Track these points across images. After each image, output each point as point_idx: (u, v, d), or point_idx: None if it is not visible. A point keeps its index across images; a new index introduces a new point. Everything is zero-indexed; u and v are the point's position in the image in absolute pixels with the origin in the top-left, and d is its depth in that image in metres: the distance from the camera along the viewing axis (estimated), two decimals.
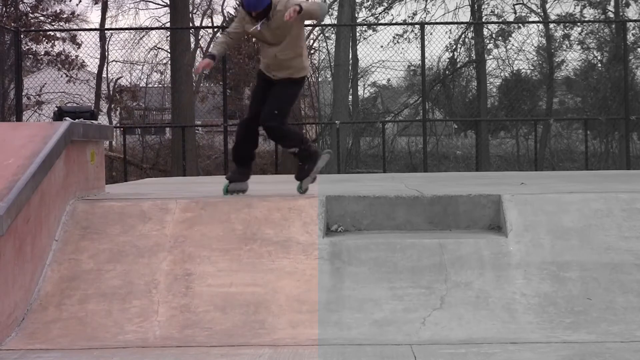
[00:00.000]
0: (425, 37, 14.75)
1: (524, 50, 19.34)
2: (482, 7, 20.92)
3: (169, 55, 20.99)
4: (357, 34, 19.88)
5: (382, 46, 18.47)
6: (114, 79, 23.43)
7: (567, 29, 19.03)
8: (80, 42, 20.51)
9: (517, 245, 5.09)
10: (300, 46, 5.94)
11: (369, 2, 21.05)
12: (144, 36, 23.87)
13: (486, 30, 19.69)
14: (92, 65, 22.84)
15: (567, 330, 4.40)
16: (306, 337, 4.36)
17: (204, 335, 4.43)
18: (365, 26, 19.86)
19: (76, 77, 20.12)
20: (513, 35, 19.26)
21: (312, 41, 22.91)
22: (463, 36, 20.05)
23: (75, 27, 23.02)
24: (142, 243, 5.14)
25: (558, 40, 19.33)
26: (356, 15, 20.85)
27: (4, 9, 21.50)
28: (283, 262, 5.00)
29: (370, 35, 19.33)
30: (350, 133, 18.69)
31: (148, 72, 23.24)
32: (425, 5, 21.04)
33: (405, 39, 19.28)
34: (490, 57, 19.81)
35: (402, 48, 23.81)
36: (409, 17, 20.59)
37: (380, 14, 21.19)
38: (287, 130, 6.07)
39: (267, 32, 5.78)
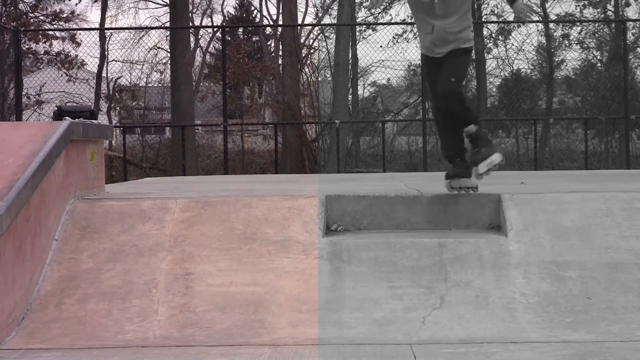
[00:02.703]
0: None
1: (523, 49, 19.36)
2: (482, 7, 20.93)
3: (168, 55, 21.00)
4: (357, 34, 19.90)
5: (381, 46, 18.49)
6: (114, 79, 23.47)
7: (567, 28, 19.03)
8: (79, 42, 20.53)
9: (516, 245, 5.09)
10: (469, 18, 5.71)
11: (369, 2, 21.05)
12: (143, 36, 23.93)
13: (486, 29, 19.70)
14: (92, 64, 22.92)
15: (567, 330, 4.40)
16: (306, 337, 4.36)
17: (204, 335, 4.43)
18: (364, 26, 19.87)
19: (76, 77, 20.13)
20: (513, 34, 19.27)
21: (312, 41, 22.93)
22: None
23: (75, 26, 23.05)
24: (142, 242, 5.14)
25: (558, 40, 19.34)
26: (356, 15, 20.87)
27: (3, 9, 21.49)
28: (283, 261, 5.00)
29: (369, 35, 19.34)
30: (350, 132, 18.70)
31: (148, 71, 23.30)
32: None
33: (405, 38, 19.29)
34: (490, 56, 19.82)
35: (402, 48, 23.86)
36: (408, 16, 20.58)
37: (379, 13, 21.21)
38: (467, 101, 5.77)
39: (439, 3, 5.57)
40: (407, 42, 19.28)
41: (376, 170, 16.29)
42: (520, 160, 18.97)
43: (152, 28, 24.87)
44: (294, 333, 4.41)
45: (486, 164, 5.65)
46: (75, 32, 20.99)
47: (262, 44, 28.55)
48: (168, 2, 22.90)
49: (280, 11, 24.21)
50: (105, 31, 22.19)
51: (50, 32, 20.78)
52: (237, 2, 33.67)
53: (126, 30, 24.91)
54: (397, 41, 19.17)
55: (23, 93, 16.00)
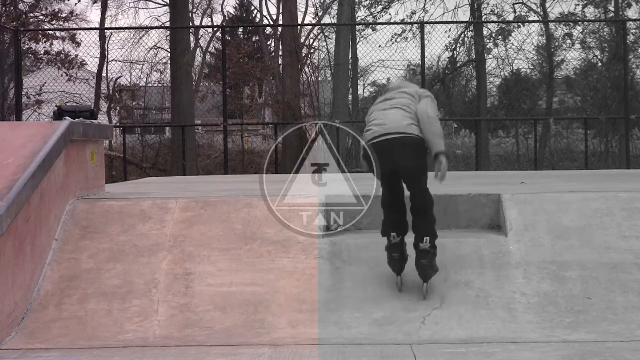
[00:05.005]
0: (425, 36, 14.74)
1: (523, 49, 19.34)
2: (482, 6, 20.92)
3: (168, 55, 21.00)
4: (357, 34, 19.90)
5: (380, 45, 18.46)
6: (114, 78, 23.47)
7: (567, 28, 19.02)
8: (79, 42, 20.53)
9: (516, 245, 5.09)
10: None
11: (368, 2, 21.07)
12: (143, 35, 23.93)
13: (486, 29, 19.69)
14: (92, 64, 22.88)
15: (567, 330, 4.40)
16: (306, 337, 4.36)
17: (204, 335, 4.43)
18: (364, 25, 19.87)
19: (76, 77, 20.12)
20: (513, 34, 19.26)
21: (312, 40, 22.94)
22: (462, 35, 20.06)
23: (74, 26, 23.06)
24: (142, 242, 5.14)
25: (558, 40, 19.34)
26: (355, 14, 20.87)
27: (3, 9, 21.49)
28: (283, 261, 5.00)
29: (369, 34, 19.33)
30: (350, 132, 18.68)
31: (148, 71, 23.29)
32: (424, 5, 21.07)
33: (404, 37, 19.27)
34: (490, 56, 19.81)
35: (401, 47, 23.87)
36: (407, 16, 20.58)
37: (379, 13, 21.20)
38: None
39: None
40: (406, 41, 19.24)
41: None
42: (520, 160, 18.96)
43: (152, 28, 24.88)
44: (294, 333, 4.41)
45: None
46: (75, 31, 20.97)
47: (262, 44, 28.56)
48: (168, 2, 22.90)
49: (280, 11, 24.20)
50: (105, 31, 22.19)
51: (50, 32, 20.76)
52: (237, 2, 33.68)
53: (126, 30, 24.93)
54: (396, 40, 19.14)
55: (23, 93, 15.99)
